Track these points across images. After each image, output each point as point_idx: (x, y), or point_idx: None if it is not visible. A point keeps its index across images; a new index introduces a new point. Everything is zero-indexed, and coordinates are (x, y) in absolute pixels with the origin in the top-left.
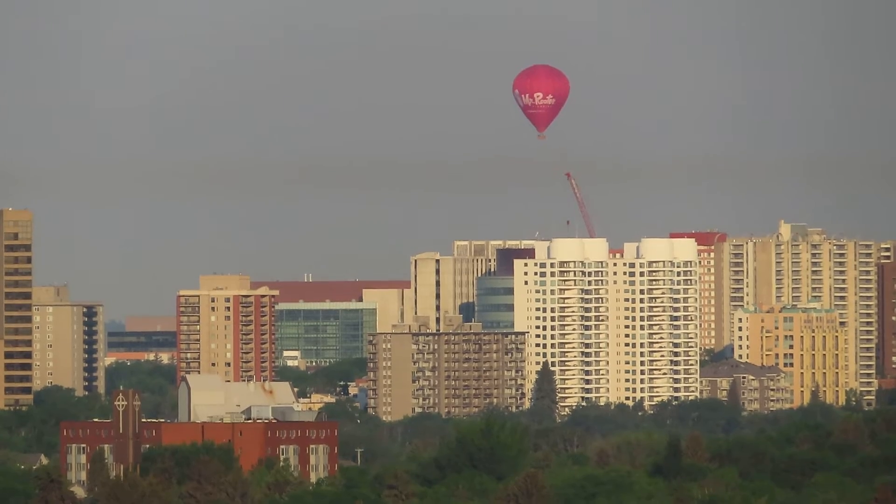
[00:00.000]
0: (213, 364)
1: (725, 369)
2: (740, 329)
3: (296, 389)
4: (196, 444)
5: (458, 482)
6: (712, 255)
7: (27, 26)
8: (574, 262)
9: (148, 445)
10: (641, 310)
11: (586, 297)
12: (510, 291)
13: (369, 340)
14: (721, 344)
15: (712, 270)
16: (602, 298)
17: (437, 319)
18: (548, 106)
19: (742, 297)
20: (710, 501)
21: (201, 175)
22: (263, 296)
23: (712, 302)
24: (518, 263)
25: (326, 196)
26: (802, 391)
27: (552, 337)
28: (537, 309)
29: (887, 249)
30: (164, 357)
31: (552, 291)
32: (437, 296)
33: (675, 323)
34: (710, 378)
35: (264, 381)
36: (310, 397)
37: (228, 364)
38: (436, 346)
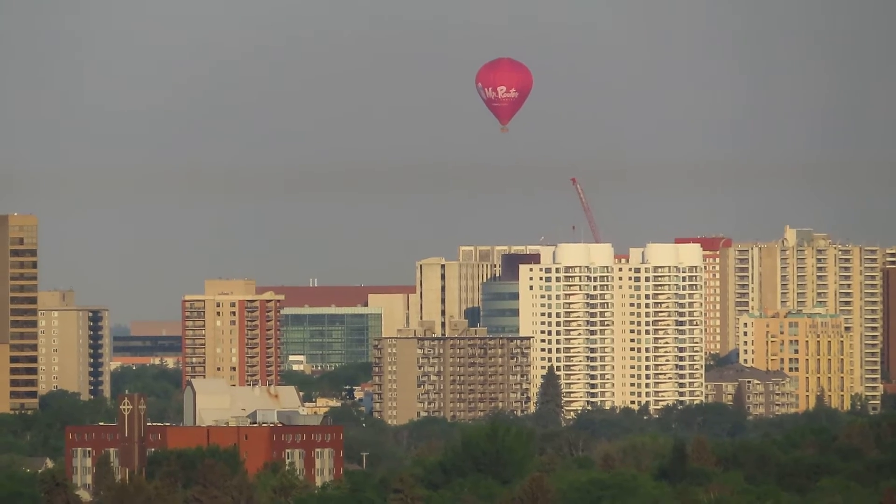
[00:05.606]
0: (219, 368)
1: (731, 374)
2: (745, 334)
3: (301, 393)
4: (201, 448)
5: (463, 486)
6: (717, 260)
7: (30, 32)
8: (579, 266)
9: (153, 449)
10: (647, 314)
11: (591, 301)
12: (515, 296)
13: (375, 345)
14: (726, 349)
15: (717, 275)
16: (607, 303)
17: (443, 324)
18: (511, 99)
19: (747, 302)
20: None
21: (207, 179)
22: (269, 300)
23: (717, 307)
24: (523, 268)
25: (332, 201)
26: (808, 396)
27: (557, 342)
28: (542, 314)
29: (893, 254)
30: (170, 362)
31: (557, 296)
32: (443, 301)
33: (681, 328)
34: (715, 382)
35: (270, 385)
36: (315, 401)
37: (234, 368)
38: (441, 351)
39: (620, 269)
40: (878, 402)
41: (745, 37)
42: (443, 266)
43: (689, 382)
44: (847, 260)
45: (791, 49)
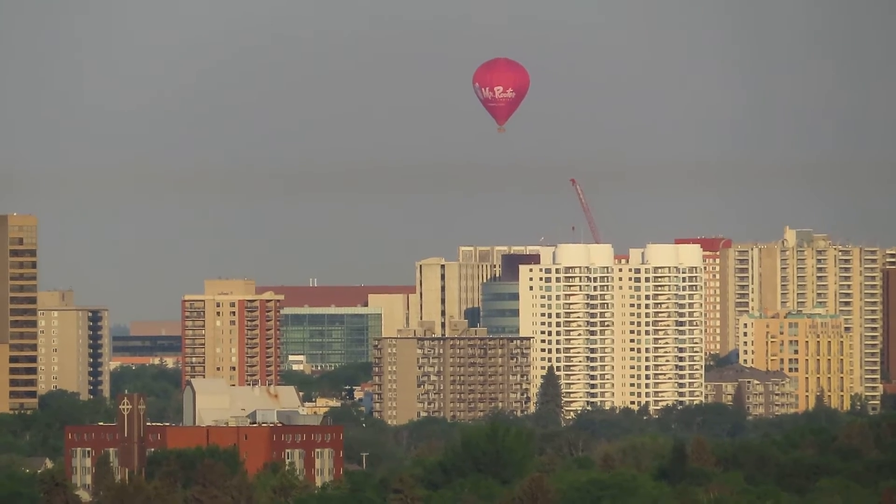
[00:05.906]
0: (219, 368)
1: (730, 374)
2: (745, 334)
3: (301, 393)
4: (201, 448)
5: (463, 486)
6: (717, 260)
7: (30, 32)
8: (579, 267)
9: (153, 449)
10: (647, 315)
11: (591, 302)
12: (515, 297)
13: (375, 345)
14: (726, 349)
15: (717, 276)
16: (607, 304)
17: (443, 324)
18: (508, 99)
19: (747, 303)
20: None
21: (206, 179)
22: (269, 300)
23: (717, 307)
24: (523, 269)
25: (332, 201)
26: (807, 396)
27: (557, 342)
28: (542, 314)
29: (893, 255)
30: (169, 361)
31: (557, 297)
32: (443, 301)
33: (681, 328)
34: (715, 383)
35: (269, 385)
36: (315, 401)
37: (233, 368)
38: (441, 351)
39: (620, 270)
40: (877, 402)
41: (745, 37)
42: (443, 266)
43: (689, 383)
44: (847, 260)
45: (790, 49)
